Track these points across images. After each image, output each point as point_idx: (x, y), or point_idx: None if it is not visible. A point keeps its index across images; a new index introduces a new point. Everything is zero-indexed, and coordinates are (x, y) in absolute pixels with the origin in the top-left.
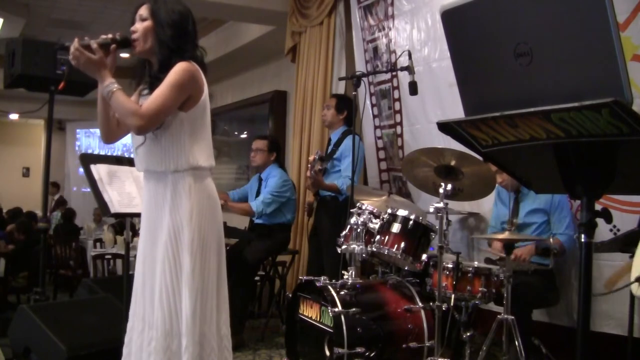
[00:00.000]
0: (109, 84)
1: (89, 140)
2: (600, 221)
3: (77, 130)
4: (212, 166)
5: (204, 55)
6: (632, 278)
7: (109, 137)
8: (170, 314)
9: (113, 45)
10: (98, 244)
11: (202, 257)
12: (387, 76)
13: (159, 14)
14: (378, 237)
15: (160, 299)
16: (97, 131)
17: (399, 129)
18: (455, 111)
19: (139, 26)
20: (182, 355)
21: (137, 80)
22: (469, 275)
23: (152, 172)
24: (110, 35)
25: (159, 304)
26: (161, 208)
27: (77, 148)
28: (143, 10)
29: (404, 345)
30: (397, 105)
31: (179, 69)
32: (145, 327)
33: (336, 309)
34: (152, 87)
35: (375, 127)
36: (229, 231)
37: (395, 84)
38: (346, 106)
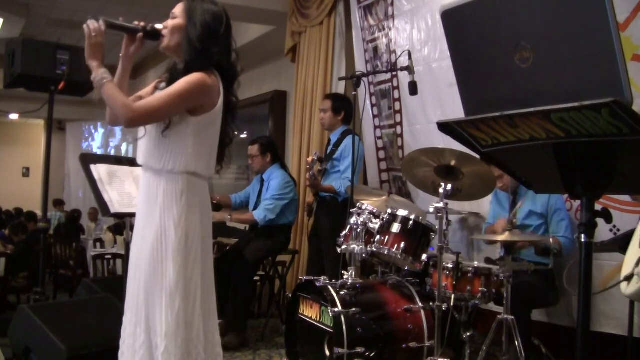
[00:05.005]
0: (104, 72)
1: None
2: (600, 221)
3: (84, 128)
4: (210, 176)
5: (237, 61)
6: (622, 277)
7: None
8: (151, 313)
9: (140, 34)
10: (98, 244)
11: (186, 262)
12: (387, 76)
13: (192, 12)
14: (378, 237)
15: (145, 298)
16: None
17: (399, 129)
18: (455, 111)
19: (170, 22)
20: (159, 357)
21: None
22: (469, 275)
23: (149, 168)
24: (142, 24)
25: (142, 303)
26: (153, 207)
27: (85, 146)
28: (177, 8)
29: (404, 345)
30: (397, 105)
31: (191, 79)
32: (132, 322)
33: (336, 309)
34: (169, 84)
35: (375, 127)
36: (229, 231)
37: (395, 84)
38: (343, 106)
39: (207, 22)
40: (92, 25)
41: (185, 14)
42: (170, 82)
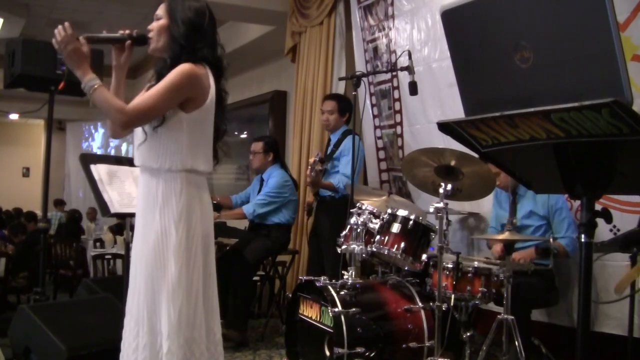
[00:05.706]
0: (91, 79)
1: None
2: (600, 221)
3: (84, 128)
4: (208, 172)
5: (223, 55)
6: None
7: (116, 132)
8: (153, 313)
9: (128, 42)
10: (98, 244)
11: (188, 261)
12: (387, 76)
13: (174, 11)
14: (378, 237)
15: (146, 298)
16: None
17: (399, 129)
18: (455, 111)
19: (155, 24)
20: (163, 358)
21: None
22: (469, 275)
23: (147, 168)
24: (127, 31)
25: (144, 303)
26: (152, 207)
27: (85, 146)
28: (159, 10)
29: (404, 345)
30: (397, 105)
31: (179, 71)
32: (132, 322)
33: (336, 309)
34: (158, 82)
35: (375, 127)
36: (229, 231)
37: (395, 84)
38: (348, 107)
39: (190, 18)
40: (58, 36)
41: (168, 14)
42: (158, 80)
